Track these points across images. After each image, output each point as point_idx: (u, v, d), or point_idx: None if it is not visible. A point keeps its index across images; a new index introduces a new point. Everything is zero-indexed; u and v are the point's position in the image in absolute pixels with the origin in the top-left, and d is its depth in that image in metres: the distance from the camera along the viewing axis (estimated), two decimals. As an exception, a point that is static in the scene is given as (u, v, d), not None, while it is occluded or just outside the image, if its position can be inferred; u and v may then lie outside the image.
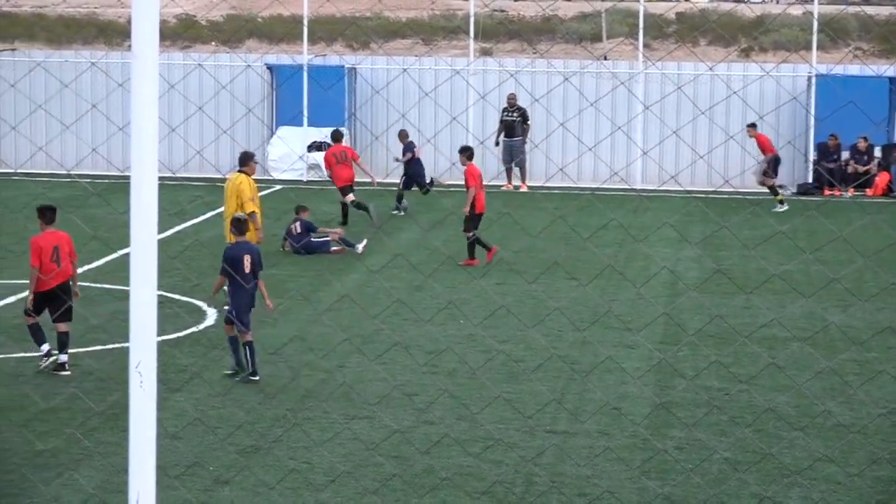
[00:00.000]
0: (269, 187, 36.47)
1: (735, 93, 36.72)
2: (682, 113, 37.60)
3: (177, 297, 21.74)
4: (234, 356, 17.83)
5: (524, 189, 37.09)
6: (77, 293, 18.48)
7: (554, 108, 37.79)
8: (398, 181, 32.28)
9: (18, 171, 36.04)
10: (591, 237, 26.90)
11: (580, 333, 20.53)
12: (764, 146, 32.99)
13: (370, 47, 76.43)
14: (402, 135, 33.56)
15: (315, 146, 38.63)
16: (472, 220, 25.83)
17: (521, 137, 37.23)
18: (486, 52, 44.24)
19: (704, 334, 20.49)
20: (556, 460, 14.71)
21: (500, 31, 75.88)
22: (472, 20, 40.07)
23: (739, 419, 16.31)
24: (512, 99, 37.33)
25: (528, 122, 37.34)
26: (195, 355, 18.80)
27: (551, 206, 32.12)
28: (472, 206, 25.74)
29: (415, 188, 32.32)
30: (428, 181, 32.77)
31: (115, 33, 75.17)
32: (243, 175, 22.31)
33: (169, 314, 19.98)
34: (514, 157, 37.15)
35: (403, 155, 32.67)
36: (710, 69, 37.03)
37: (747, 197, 35.51)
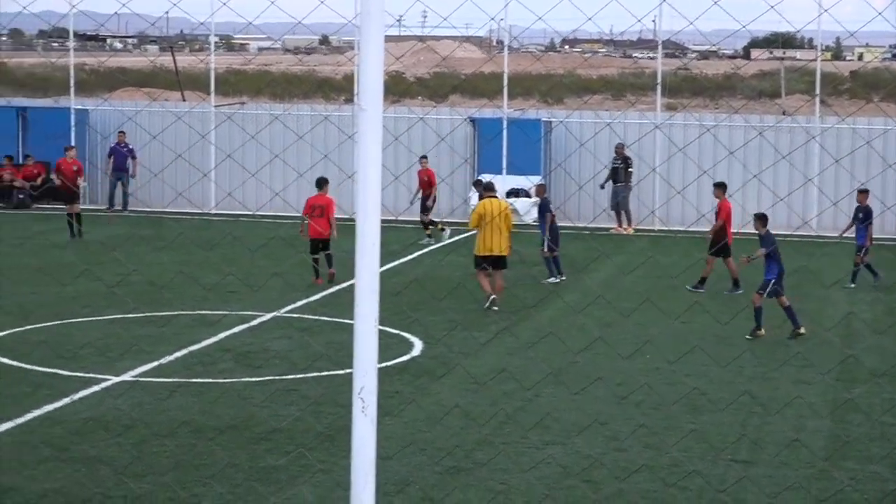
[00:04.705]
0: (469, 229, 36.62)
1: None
2: (857, 165, 36.91)
3: (388, 329, 21.95)
4: None
5: (629, 232, 36.81)
6: None
7: (733, 160, 37.29)
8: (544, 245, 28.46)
9: (258, 213, 36.72)
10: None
11: (759, 369, 20.21)
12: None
13: (564, 102, 76.56)
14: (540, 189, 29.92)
15: (513, 193, 38.78)
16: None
17: (623, 183, 37.20)
18: (671, 107, 44.02)
19: (879, 372, 20.01)
20: (739, 488, 14.44)
21: (684, 88, 75.51)
22: (659, 77, 39.81)
23: (913, 453, 15.87)
24: (619, 148, 37.28)
25: (631, 170, 37.21)
26: (404, 382, 18.92)
27: (742, 250, 31.65)
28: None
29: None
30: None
31: (332, 88, 76.45)
32: (500, 200, 26.06)
33: (381, 344, 20.11)
34: (616, 200, 37.21)
35: (541, 213, 29.07)
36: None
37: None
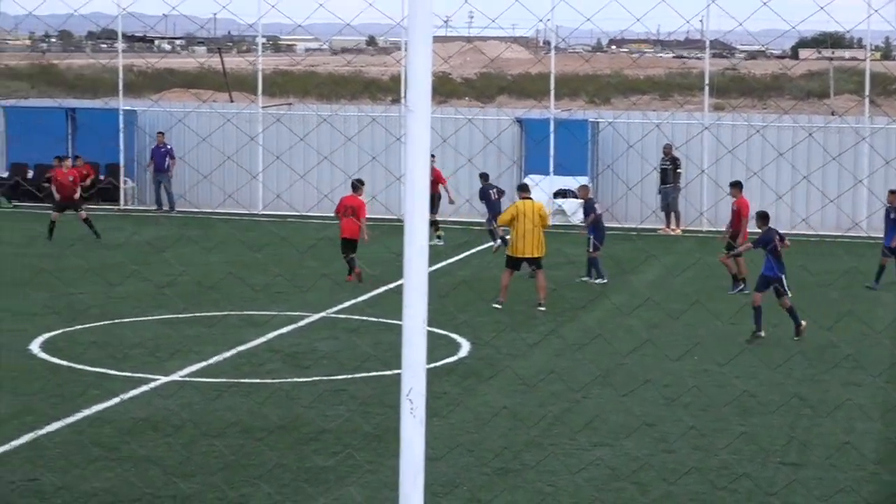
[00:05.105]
0: (517, 230, 36.52)
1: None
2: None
3: (436, 330, 21.93)
4: None
5: (678, 233, 36.71)
6: None
7: (782, 161, 37.04)
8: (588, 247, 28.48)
9: (306, 214, 36.70)
10: (832, 283, 26.15)
11: (809, 370, 20.09)
12: None
13: (611, 102, 76.33)
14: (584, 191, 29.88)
15: (560, 193, 38.72)
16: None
17: (672, 184, 37.11)
18: (718, 108, 43.81)
19: (929, 374, 19.85)
20: (788, 491, 14.36)
21: (732, 88, 75.11)
22: (706, 77, 39.64)
23: (965, 456, 15.73)
24: (667, 149, 37.20)
25: (680, 171, 37.13)
26: (451, 384, 18.92)
27: (791, 251, 31.45)
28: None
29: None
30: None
31: (379, 89, 76.47)
32: (533, 201, 25.70)
33: (429, 345, 20.09)
34: (666, 201, 37.14)
35: (586, 215, 29.07)
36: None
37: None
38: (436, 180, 34.73)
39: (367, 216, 28.10)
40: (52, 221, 33.10)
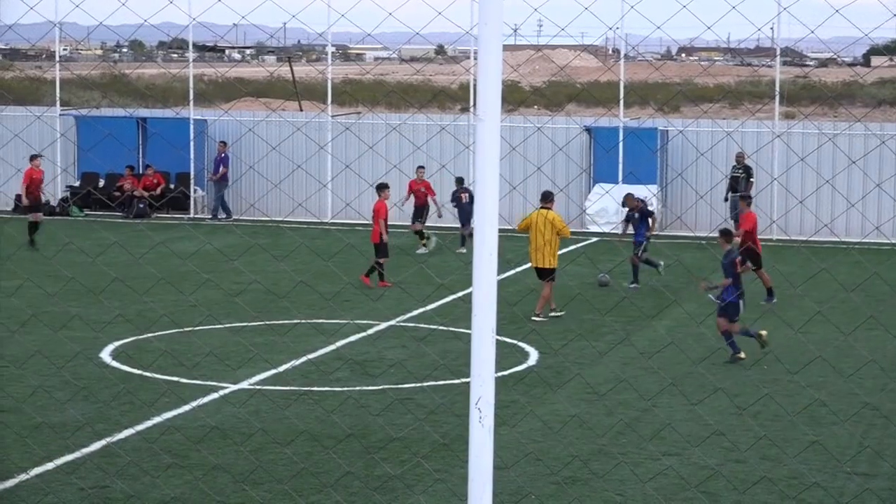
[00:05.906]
0: (585, 239, 36.49)
1: None
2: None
3: (504, 338, 21.94)
4: None
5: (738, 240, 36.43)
6: None
7: (853, 169, 36.78)
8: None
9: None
10: None
11: (881, 380, 19.90)
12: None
13: (680, 111, 76.00)
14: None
15: (629, 202, 38.60)
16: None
17: (743, 192, 36.83)
18: (789, 116, 43.47)
19: None
20: (859, 501, 14.24)
21: (802, 96, 74.59)
22: (777, 86, 39.40)
23: None
24: (740, 157, 36.90)
25: (752, 179, 36.78)
26: (519, 392, 18.91)
27: (863, 259, 31.24)
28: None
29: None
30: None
31: (448, 98, 76.51)
32: (551, 211, 25.24)
33: (497, 353, 20.06)
34: (736, 210, 36.84)
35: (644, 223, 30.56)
36: None
37: None
38: (426, 191, 34.88)
39: (385, 218, 28.49)
40: (31, 223, 33.42)
